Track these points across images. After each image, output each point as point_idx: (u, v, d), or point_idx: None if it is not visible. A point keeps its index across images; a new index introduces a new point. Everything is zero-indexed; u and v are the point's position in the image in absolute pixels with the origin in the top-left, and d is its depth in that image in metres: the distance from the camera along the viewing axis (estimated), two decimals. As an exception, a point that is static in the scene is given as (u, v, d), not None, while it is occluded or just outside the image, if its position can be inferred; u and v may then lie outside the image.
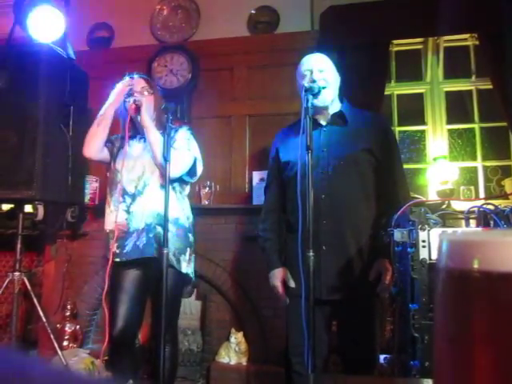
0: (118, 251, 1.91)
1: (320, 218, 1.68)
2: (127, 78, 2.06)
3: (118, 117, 2.05)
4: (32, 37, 2.45)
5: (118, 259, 1.91)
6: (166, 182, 1.75)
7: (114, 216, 1.94)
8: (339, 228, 1.71)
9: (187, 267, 1.96)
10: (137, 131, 2.06)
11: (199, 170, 2.05)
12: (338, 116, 1.83)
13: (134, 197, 1.94)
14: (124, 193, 1.96)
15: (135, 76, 2.09)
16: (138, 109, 1.96)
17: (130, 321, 1.90)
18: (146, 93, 2.04)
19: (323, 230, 1.69)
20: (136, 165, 1.97)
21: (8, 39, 2.57)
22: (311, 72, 1.79)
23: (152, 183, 1.94)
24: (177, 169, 1.88)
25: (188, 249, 1.98)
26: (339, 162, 1.74)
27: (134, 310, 1.93)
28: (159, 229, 1.89)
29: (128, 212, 1.94)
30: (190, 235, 2.01)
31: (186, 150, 1.96)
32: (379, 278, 1.67)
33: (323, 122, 1.83)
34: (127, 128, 1.97)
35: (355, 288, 1.68)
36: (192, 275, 2.01)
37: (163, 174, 1.90)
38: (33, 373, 0.23)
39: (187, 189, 2.10)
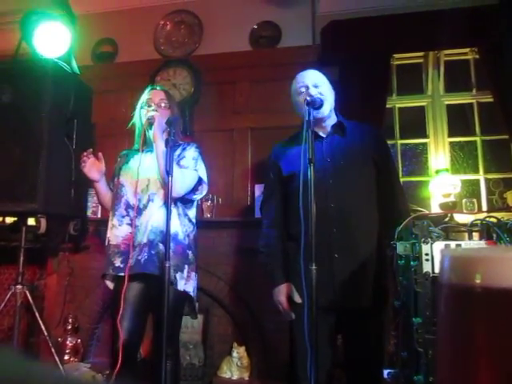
0: (121, 266, 1.91)
1: (330, 227, 1.69)
2: (148, 89, 2.11)
3: (134, 128, 2.10)
4: (38, 52, 2.49)
5: (121, 273, 1.90)
6: (169, 195, 1.76)
7: (117, 230, 1.95)
8: (351, 233, 1.72)
9: (185, 285, 1.91)
10: (147, 145, 2.06)
11: (204, 189, 2.04)
12: (338, 126, 1.87)
13: (139, 211, 1.94)
14: (128, 206, 1.96)
15: (157, 88, 2.14)
16: (150, 124, 1.97)
17: (132, 334, 1.89)
18: (162, 105, 2.05)
19: (334, 238, 1.69)
20: (140, 178, 1.97)
21: (14, 54, 2.61)
22: (307, 88, 1.83)
23: (157, 200, 1.93)
24: (181, 188, 1.88)
25: (186, 266, 1.92)
26: (345, 170, 1.77)
27: (136, 324, 1.91)
28: (161, 246, 1.88)
29: (132, 226, 1.93)
30: (189, 252, 1.96)
31: (193, 169, 1.97)
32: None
33: (323, 134, 1.86)
34: (141, 140, 2.00)
35: (371, 294, 1.68)
36: (192, 293, 1.94)
37: (166, 189, 1.91)
38: (35, 376, 0.23)
39: (192, 207, 2.07)
